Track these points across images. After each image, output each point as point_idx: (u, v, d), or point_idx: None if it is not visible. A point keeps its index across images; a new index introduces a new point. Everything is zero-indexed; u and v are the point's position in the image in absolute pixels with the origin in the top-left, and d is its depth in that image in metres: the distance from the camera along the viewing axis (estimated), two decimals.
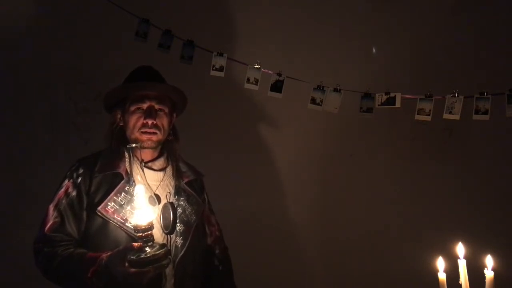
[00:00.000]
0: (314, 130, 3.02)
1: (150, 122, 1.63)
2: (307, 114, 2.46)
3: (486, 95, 2.02)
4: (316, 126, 2.97)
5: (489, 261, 1.29)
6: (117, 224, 1.54)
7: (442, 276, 1.32)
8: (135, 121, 1.65)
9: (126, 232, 1.53)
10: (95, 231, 1.56)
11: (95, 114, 2.82)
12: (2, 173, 2.82)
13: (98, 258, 1.45)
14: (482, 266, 1.29)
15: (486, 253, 1.33)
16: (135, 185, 1.56)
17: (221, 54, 2.36)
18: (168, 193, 1.66)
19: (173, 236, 1.59)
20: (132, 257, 1.36)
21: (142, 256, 1.36)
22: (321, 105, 2.25)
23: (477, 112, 2.03)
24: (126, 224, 1.54)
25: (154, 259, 1.36)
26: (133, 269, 1.36)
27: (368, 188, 3.03)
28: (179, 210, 1.65)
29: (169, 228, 1.50)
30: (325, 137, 3.03)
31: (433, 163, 2.93)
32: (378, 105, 2.21)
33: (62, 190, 1.61)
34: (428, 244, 2.31)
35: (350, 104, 2.25)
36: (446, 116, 2.10)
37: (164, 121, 1.68)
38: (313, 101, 2.26)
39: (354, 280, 2.91)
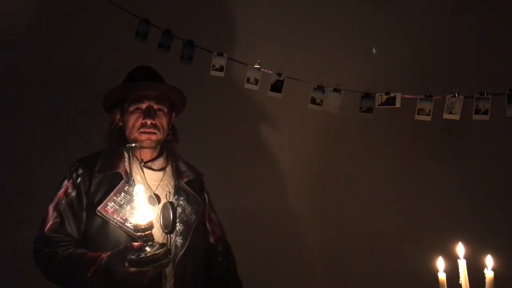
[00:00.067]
0: (314, 130, 3.02)
1: (149, 122, 1.63)
2: (307, 114, 2.46)
3: (486, 95, 2.02)
4: (316, 126, 2.97)
5: (489, 261, 1.29)
6: (117, 224, 1.54)
7: (442, 276, 1.32)
8: (134, 121, 1.65)
9: (126, 232, 1.53)
10: (95, 231, 1.56)
11: (95, 114, 2.81)
12: (2, 173, 2.82)
13: (98, 258, 1.45)
14: (482, 266, 1.29)
15: (486, 253, 1.33)
16: (134, 185, 1.56)
17: (221, 54, 2.36)
18: (168, 193, 1.66)
19: (173, 235, 1.59)
20: (132, 257, 1.36)
21: (142, 256, 1.36)
22: (321, 105, 2.25)
23: (477, 112, 2.03)
24: (126, 224, 1.54)
25: (154, 259, 1.36)
26: (133, 269, 1.36)
27: (368, 188, 3.03)
28: (179, 209, 1.65)
29: (168, 228, 1.50)
30: (325, 137, 3.03)
31: (433, 163, 2.93)
32: (378, 105, 2.21)
33: (62, 190, 1.61)
34: (428, 244, 2.31)
35: (350, 104, 2.25)
36: (446, 116, 2.09)
37: (163, 121, 1.68)
38: (313, 101, 2.25)
39: (354, 280, 2.91)
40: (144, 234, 1.38)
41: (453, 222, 2.73)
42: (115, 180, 1.60)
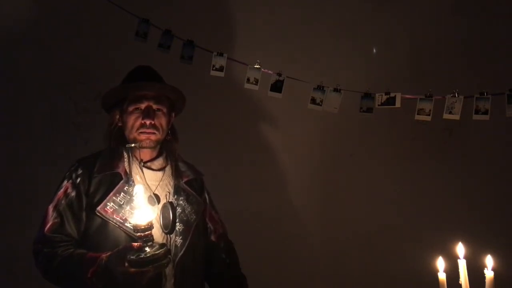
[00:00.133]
0: (314, 130, 3.02)
1: (148, 122, 1.63)
2: (307, 114, 2.46)
3: (486, 95, 2.02)
4: (316, 126, 2.97)
5: (489, 261, 1.29)
6: (117, 224, 1.54)
7: (442, 276, 1.32)
8: (133, 121, 1.64)
9: (125, 232, 1.53)
10: (94, 231, 1.56)
11: (95, 114, 2.81)
12: (2, 173, 2.82)
13: (98, 258, 1.45)
14: (482, 266, 1.29)
15: (486, 253, 1.33)
16: (134, 185, 1.56)
17: (221, 54, 2.35)
18: (168, 193, 1.66)
19: (172, 235, 1.59)
20: (132, 257, 1.36)
21: (142, 256, 1.35)
22: (321, 105, 2.25)
23: (477, 112, 2.03)
24: (126, 224, 1.53)
25: (154, 259, 1.36)
26: (133, 269, 1.36)
27: (368, 188, 3.03)
28: (179, 209, 1.65)
29: (168, 228, 1.50)
30: (325, 137, 3.03)
31: (433, 163, 2.92)
32: (378, 105, 2.21)
33: (62, 190, 1.61)
34: (428, 244, 2.31)
35: (350, 104, 2.25)
36: (446, 116, 2.09)
37: (162, 121, 1.67)
38: (313, 101, 2.25)
39: (354, 280, 2.91)
40: (144, 235, 1.37)
41: (453, 222, 2.73)
42: (114, 180, 1.60)
